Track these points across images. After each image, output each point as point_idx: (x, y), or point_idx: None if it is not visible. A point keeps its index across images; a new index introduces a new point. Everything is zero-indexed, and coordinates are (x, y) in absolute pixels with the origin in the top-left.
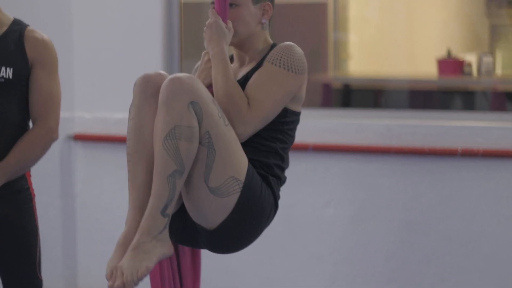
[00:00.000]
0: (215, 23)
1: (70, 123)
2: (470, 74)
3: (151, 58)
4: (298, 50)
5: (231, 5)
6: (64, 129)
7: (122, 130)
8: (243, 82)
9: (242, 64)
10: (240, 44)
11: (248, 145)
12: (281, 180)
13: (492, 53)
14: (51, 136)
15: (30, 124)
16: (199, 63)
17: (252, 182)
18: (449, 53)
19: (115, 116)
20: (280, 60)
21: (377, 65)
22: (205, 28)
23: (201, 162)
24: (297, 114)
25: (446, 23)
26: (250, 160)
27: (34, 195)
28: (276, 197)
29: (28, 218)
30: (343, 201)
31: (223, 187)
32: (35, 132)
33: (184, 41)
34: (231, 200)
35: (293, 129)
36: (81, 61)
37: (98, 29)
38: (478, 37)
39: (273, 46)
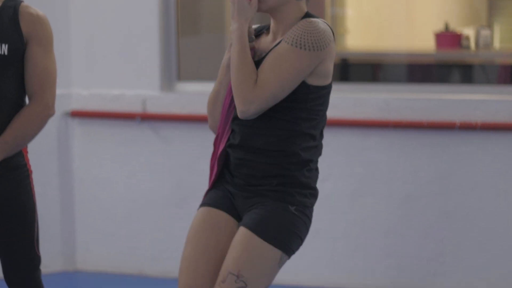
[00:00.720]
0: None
1: (67, 99)
2: (468, 47)
3: (148, 35)
4: (318, 25)
5: None
6: (61, 106)
7: (119, 106)
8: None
9: (275, 38)
10: (271, 11)
11: (271, 134)
12: (315, 159)
13: (490, 26)
14: (47, 112)
15: (27, 100)
16: None
17: (286, 241)
18: (446, 27)
19: (112, 92)
20: (294, 38)
21: (375, 39)
22: (230, 3)
23: None
24: (323, 88)
25: None
26: (276, 153)
27: (31, 171)
28: (310, 192)
29: (26, 194)
30: (342, 176)
31: (280, 267)
32: (31, 108)
33: (181, 18)
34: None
35: (321, 104)
36: (78, 38)
37: (95, 6)
38: (476, 11)
39: (303, 17)
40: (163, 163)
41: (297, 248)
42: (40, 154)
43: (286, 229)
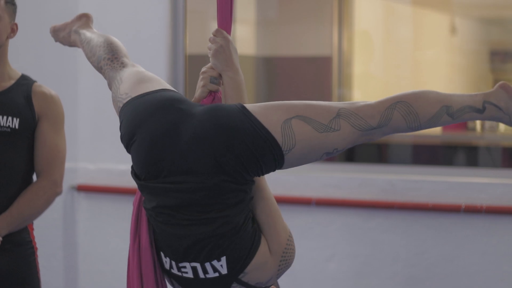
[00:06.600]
0: (229, 43)
1: (73, 173)
2: (474, 129)
3: None
4: None
5: None
6: (68, 180)
7: (125, 181)
8: None
9: None
10: None
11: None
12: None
13: None
14: (55, 190)
15: (34, 177)
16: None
17: None
18: None
19: (119, 167)
20: None
21: None
22: (215, 48)
23: None
24: None
25: (451, 78)
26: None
27: (36, 248)
28: None
29: (30, 271)
30: (346, 256)
31: None
32: (39, 185)
33: (189, 94)
34: None
35: None
36: (85, 113)
37: (103, 81)
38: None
39: None
40: None
41: None
42: (46, 226)
43: None
